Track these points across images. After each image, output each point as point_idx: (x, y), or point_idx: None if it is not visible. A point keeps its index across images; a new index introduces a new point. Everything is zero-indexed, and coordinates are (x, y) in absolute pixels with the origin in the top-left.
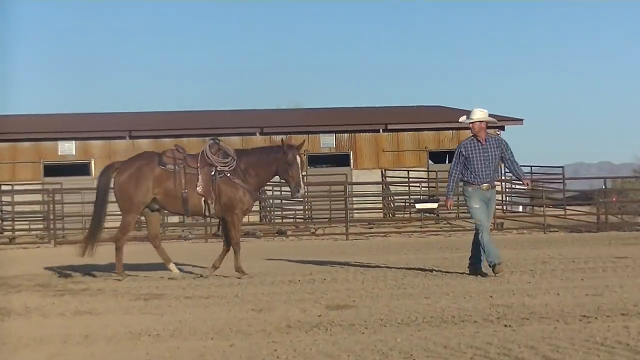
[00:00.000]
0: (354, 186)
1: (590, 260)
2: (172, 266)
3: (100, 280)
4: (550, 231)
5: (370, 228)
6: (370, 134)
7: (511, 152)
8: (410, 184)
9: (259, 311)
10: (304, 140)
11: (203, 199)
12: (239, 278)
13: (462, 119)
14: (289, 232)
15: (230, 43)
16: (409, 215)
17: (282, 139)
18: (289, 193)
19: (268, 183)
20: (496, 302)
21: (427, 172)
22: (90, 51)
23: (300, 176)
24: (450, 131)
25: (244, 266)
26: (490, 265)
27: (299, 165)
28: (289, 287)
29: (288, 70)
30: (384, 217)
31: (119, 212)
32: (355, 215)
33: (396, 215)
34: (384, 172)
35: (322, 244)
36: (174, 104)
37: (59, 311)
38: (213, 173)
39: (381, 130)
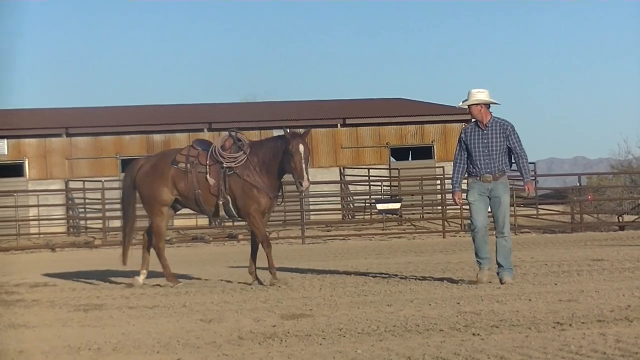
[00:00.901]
0: (310, 186)
1: (565, 264)
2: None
3: (35, 291)
4: (522, 232)
5: (328, 231)
6: (327, 129)
7: (517, 140)
8: (371, 183)
9: (208, 322)
10: (310, 129)
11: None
12: (272, 281)
13: (460, 103)
14: (240, 236)
15: (181, 35)
16: (369, 216)
17: (285, 129)
18: None
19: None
20: (464, 309)
21: (388, 170)
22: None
23: (304, 167)
24: (414, 126)
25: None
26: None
27: (302, 155)
28: (240, 295)
29: (242, 63)
30: (342, 218)
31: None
32: (312, 217)
33: (356, 217)
34: (342, 170)
35: (277, 248)
36: (115, 98)
37: None
38: (223, 170)
39: (339, 125)
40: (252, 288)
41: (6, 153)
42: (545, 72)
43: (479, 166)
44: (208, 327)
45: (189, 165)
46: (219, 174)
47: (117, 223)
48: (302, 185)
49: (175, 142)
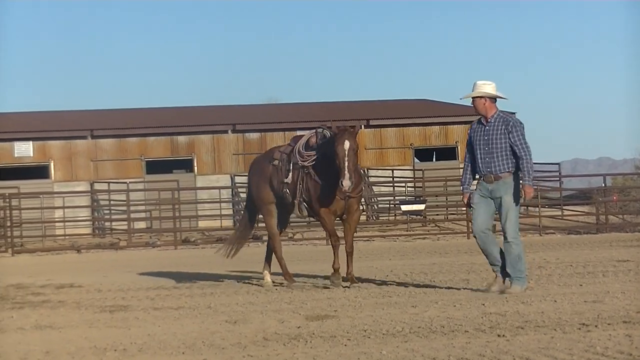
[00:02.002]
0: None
1: (590, 264)
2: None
3: (61, 292)
4: (547, 233)
5: None
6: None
7: (519, 136)
8: (395, 184)
9: (233, 323)
10: (360, 126)
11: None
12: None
13: (463, 96)
14: (264, 237)
15: (202, 38)
16: (394, 217)
17: (333, 125)
18: None
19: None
20: (488, 310)
21: (412, 171)
22: (47, 47)
23: (345, 166)
24: (437, 126)
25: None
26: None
27: (345, 152)
28: (265, 296)
29: (264, 65)
30: (367, 219)
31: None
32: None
33: (380, 218)
34: (366, 171)
35: (301, 249)
36: (140, 100)
37: (17, 325)
38: (300, 169)
39: (363, 127)
40: (276, 289)
41: (32, 155)
42: (570, 72)
43: (481, 165)
44: (233, 328)
45: (280, 162)
46: (298, 172)
47: (142, 224)
48: (343, 186)
49: (200, 143)
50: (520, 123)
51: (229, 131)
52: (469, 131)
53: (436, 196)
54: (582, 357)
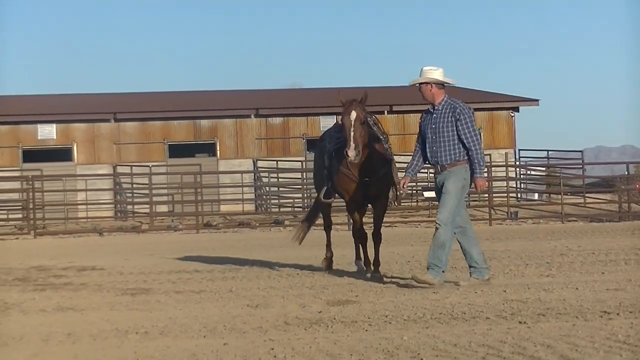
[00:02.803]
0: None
1: (612, 252)
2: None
3: (83, 274)
4: (569, 221)
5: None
6: (374, 115)
7: (467, 125)
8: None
9: (254, 307)
10: (366, 94)
11: None
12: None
13: (411, 81)
14: (286, 222)
15: (223, 23)
16: (415, 204)
17: (340, 96)
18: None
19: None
20: (510, 297)
21: None
22: (72, 29)
23: (351, 135)
24: None
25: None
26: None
27: (351, 122)
28: (286, 281)
29: (288, 50)
30: (388, 205)
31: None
32: None
33: (402, 204)
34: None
35: (322, 234)
36: (163, 84)
37: (39, 307)
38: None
39: (386, 112)
40: (297, 274)
41: (55, 137)
42: (595, 60)
43: (429, 155)
44: (254, 312)
45: (329, 145)
46: (329, 156)
47: (164, 208)
48: (348, 156)
49: (223, 128)
50: (469, 110)
51: (252, 116)
52: (420, 120)
53: None
54: (604, 344)
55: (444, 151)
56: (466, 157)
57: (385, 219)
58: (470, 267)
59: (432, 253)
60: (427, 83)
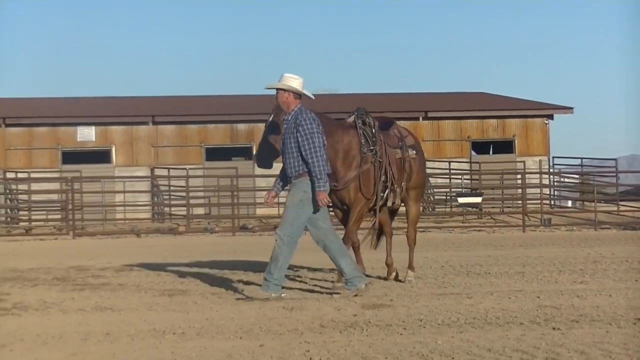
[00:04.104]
0: None
1: None
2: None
3: (121, 275)
4: (602, 228)
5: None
6: (409, 121)
7: (306, 136)
8: (452, 176)
9: (290, 309)
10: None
11: None
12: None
13: (267, 85)
14: None
15: (261, 27)
16: (449, 209)
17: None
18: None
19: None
20: (544, 303)
21: (469, 164)
22: (112, 33)
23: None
24: (495, 120)
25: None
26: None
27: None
28: (321, 283)
29: (323, 54)
30: (423, 211)
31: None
32: None
33: (436, 210)
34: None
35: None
36: (200, 88)
37: (78, 307)
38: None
39: (421, 118)
40: (332, 278)
41: (94, 140)
42: (629, 67)
43: (284, 165)
44: (290, 314)
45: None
46: None
47: (201, 210)
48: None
49: (259, 131)
50: (311, 121)
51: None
52: None
53: (492, 189)
54: (638, 352)
55: (289, 162)
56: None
57: (419, 224)
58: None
59: (267, 267)
60: (284, 90)
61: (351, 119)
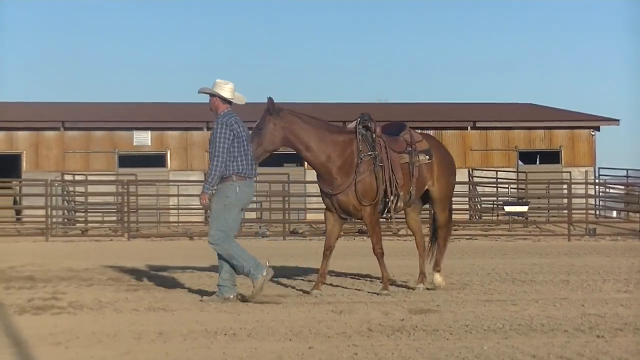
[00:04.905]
0: None
1: None
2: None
3: (174, 276)
4: None
5: (455, 230)
6: (457, 131)
7: (216, 139)
8: (499, 185)
9: (338, 313)
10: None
11: None
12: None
13: (200, 88)
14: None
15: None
16: (496, 217)
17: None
18: None
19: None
20: (588, 311)
21: (516, 173)
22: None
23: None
24: (542, 130)
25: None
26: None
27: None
28: (369, 288)
29: (374, 64)
30: (470, 219)
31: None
32: None
33: (483, 218)
34: (471, 171)
35: (405, 245)
36: (254, 95)
37: (132, 307)
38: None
39: (469, 128)
40: (380, 283)
41: (150, 144)
42: None
43: None
44: (338, 318)
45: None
46: None
47: (253, 215)
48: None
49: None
50: (220, 125)
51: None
52: None
53: (538, 198)
54: None
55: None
56: (237, 172)
57: (465, 232)
58: (219, 284)
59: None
60: (213, 95)
61: (352, 125)
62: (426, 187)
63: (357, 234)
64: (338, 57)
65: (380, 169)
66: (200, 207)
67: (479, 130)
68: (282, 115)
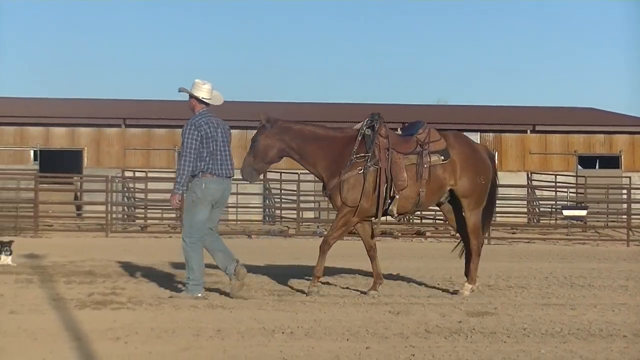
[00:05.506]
0: (498, 188)
1: None
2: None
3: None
4: None
5: (513, 233)
6: (516, 134)
7: (184, 140)
8: (558, 189)
9: (396, 314)
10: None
11: None
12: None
13: (180, 88)
14: (427, 234)
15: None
16: (554, 221)
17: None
18: None
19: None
20: None
21: (575, 177)
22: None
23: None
24: (602, 135)
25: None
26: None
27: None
28: (427, 290)
29: (434, 66)
30: (528, 222)
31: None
32: (498, 219)
33: (541, 221)
34: (529, 175)
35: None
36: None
37: (190, 304)
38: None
39: (528, 131)
40: (438, 284)
41: None
42: None
43: None
44: (396, 319)
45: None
46: None
47: (311, 214)
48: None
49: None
50: (190, 126)
51: (397, 129)
52: None
53: (597, 203)
54: None
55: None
56: (204, 170)
57: (523, 235)
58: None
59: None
60: (190, 95)
61: (358, 125)
62: (449, 188)
63: (414, 235)
64: (400, 58)
65: (375, 170)
66: (260, 206)
67: (539, 134)
68: (275, 126)
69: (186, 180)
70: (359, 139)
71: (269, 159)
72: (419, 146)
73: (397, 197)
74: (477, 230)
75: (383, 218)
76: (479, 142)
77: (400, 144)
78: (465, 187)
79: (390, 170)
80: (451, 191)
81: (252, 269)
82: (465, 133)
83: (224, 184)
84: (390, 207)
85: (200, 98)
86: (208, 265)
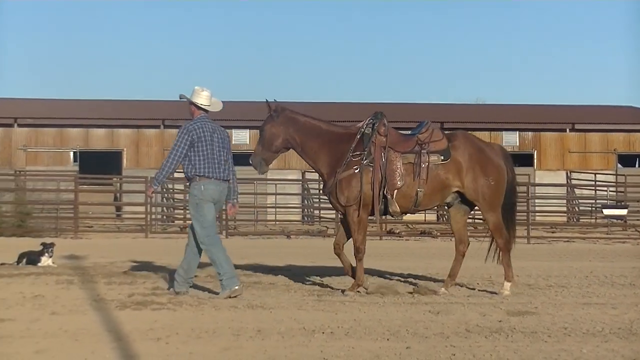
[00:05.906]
0: (537, 187)
1: None
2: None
3: (272, 274)
4: None
5: (552, 232)
6: (555, 133)
7: (174, 144)
8: (597, 188)
9: (436, 313)
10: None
11: None
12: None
13: (181, 94)
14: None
15: (412, 36)
16: (594, 220)
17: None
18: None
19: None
20: None
21: (615, 176)
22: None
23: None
24: None
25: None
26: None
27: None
28: (466, 290)
29: (471, 65)
30: (567, 221)
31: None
32: (537, 218)
33: (581, 220)
34: (569, 174)
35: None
36: (354, 95)
37: (230, 304)
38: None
39: (568, 130)
40: (477, 284)
41: (248, 143)
42: None
43: None
44: (436, 318)
45: None
46: None
47: None
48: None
49: None
50: (184, 131)
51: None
52: None
53: (638, 202)
54: None
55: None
56: (198, 174)
57: (563, 234)
58: (175, 278)
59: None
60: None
61: (361, 124)
62: (455, 189)
63: (453, 234)
64: (439, 58)
65: (369, 169)
66: (298, 205)
67: (578, 133)
68: (281, 116)
69: (164, 178)
70: (358, 137)
71: (275, 148)
72: (417, 145)
73: (389, 196)
74: (499, 229)
75: (421, 218)
76: (517, 141)
77: (398, 143)
78: (473, 188)
79: (385, 169)
80: (461, 194)
81: (291, 269)
82: (503, 132)
83: (220, 186)
84: (389, 206)
85: (199, 105)
86: (245, 266)
